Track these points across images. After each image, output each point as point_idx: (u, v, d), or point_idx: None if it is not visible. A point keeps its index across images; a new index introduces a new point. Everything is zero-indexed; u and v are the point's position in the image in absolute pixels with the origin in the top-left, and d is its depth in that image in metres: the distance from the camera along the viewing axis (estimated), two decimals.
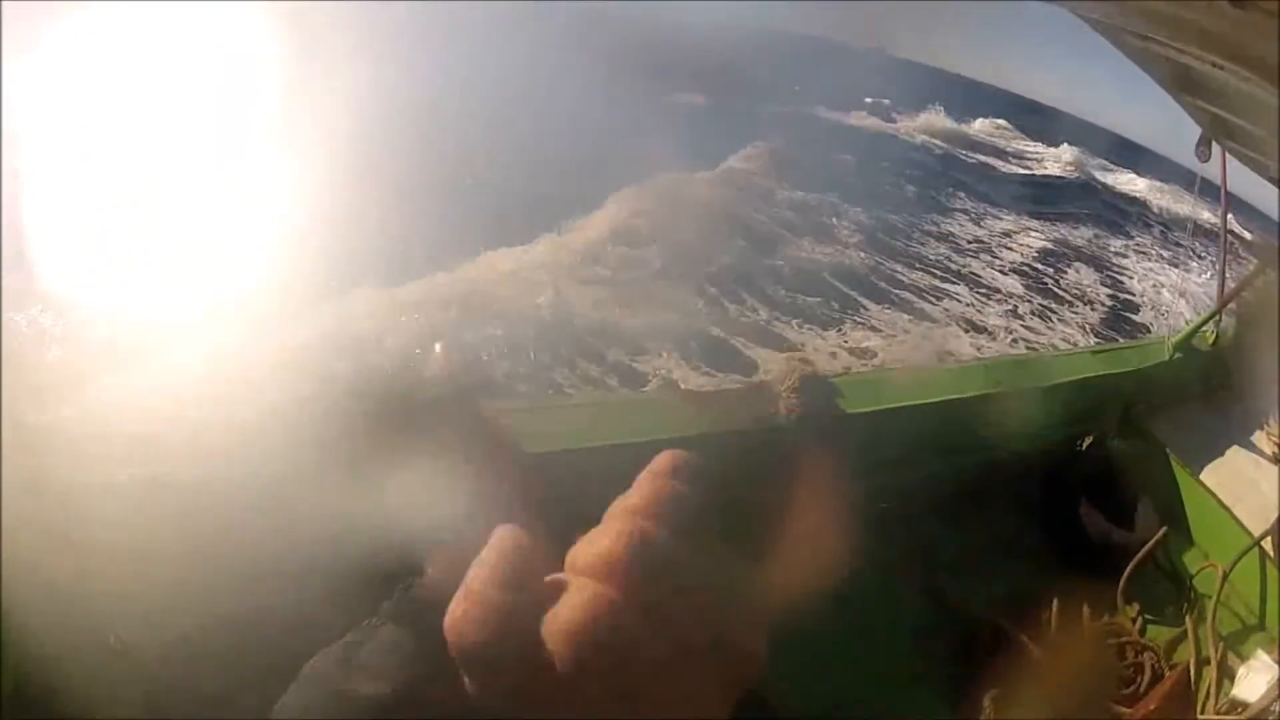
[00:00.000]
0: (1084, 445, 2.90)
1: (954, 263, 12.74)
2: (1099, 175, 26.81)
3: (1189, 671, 2.26)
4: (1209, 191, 3.29)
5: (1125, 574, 2.46)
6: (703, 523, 0.36)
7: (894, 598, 2.31)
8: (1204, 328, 3.16)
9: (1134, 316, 12.69)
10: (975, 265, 12.95)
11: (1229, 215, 3.38)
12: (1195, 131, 2.68)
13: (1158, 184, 25.96)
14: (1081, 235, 17.24)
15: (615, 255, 8.84)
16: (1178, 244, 18.39)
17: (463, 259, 7.64)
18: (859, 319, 9.30)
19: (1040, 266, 13.78)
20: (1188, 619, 2.41)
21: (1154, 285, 14.77)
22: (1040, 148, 28.71)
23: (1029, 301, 11.87)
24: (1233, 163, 2.83)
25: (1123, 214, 21.34)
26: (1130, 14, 1.71)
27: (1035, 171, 24.41)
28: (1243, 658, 2.28)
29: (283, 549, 0.96)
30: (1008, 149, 26.94)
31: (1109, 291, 13.65)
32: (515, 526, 0.37)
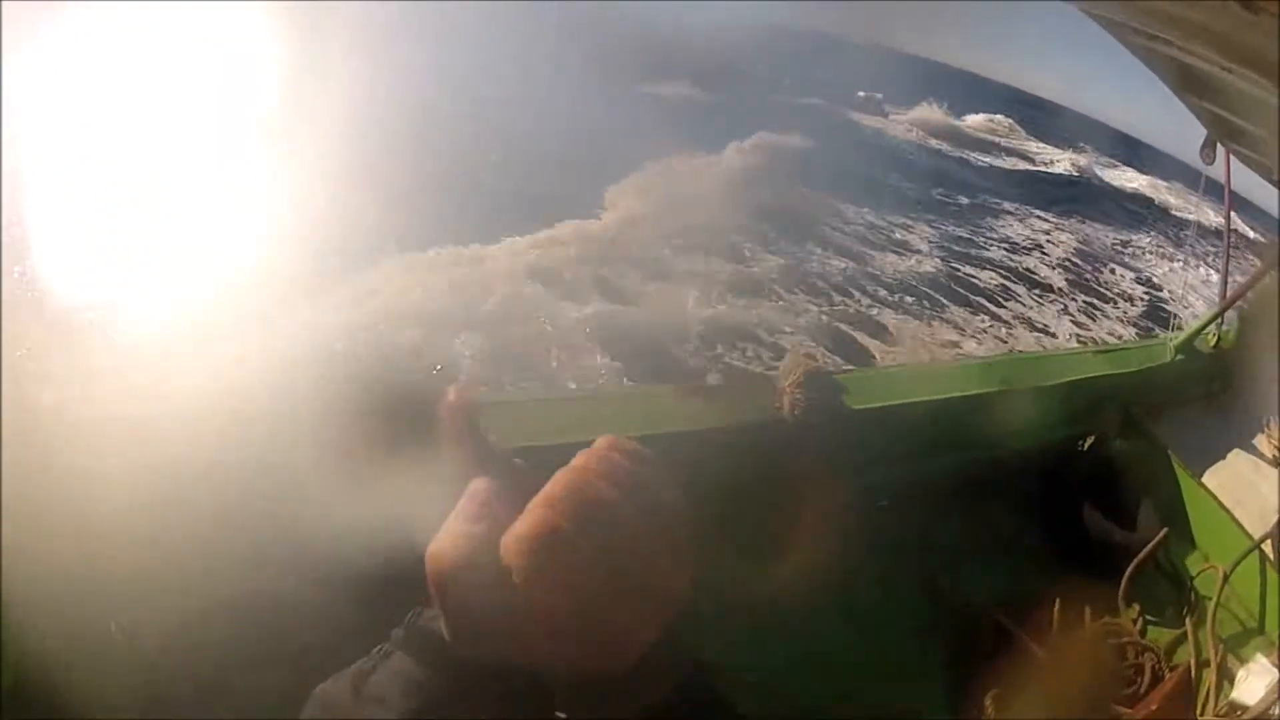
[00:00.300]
0: (1086, 445, 2.90)
1: (1013, 261, 13.11)
2: (1107, 173, 26.79)
3: (1190, 673, 2.27)
4: (1215, 191, 3.28)
5: (1126, 575, 2.46)
6: (639, 484, 0.43)
7: (895, 595, 2.32)
8: (1206, 330, 3.16)
9: (1167, 308, 12.81)
10: (1029, 262, 13.28)
11: (1233, 215, 3.38)
12: (1201, 130, 2.68)
13: (1162, 182, 25.95)
14: (1102, 233, 17.43)
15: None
16: (1188, 243, 18.42)
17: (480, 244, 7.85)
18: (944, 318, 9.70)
19: (1079, 264, 14.10)
20: (1188, 621, 2.41)
21: (1177, 282, 14.89)
22: (1051, 149, 28.74)
23: (1074, 299, 12.19)
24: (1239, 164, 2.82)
25: (1135, 214, 21.39)
26: (1139, 13, 1.70)
27: (1044, 169, 24.42)
28: (1242, 660, 2.28)
29: (283, 537, 0.97)
30: (1020, 148, 26.98)
31: (1142, 289, 13.91)
32: (484, 478, 0.45)
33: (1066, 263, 14.04)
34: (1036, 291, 12.05)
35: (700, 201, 10.57)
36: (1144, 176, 27.70)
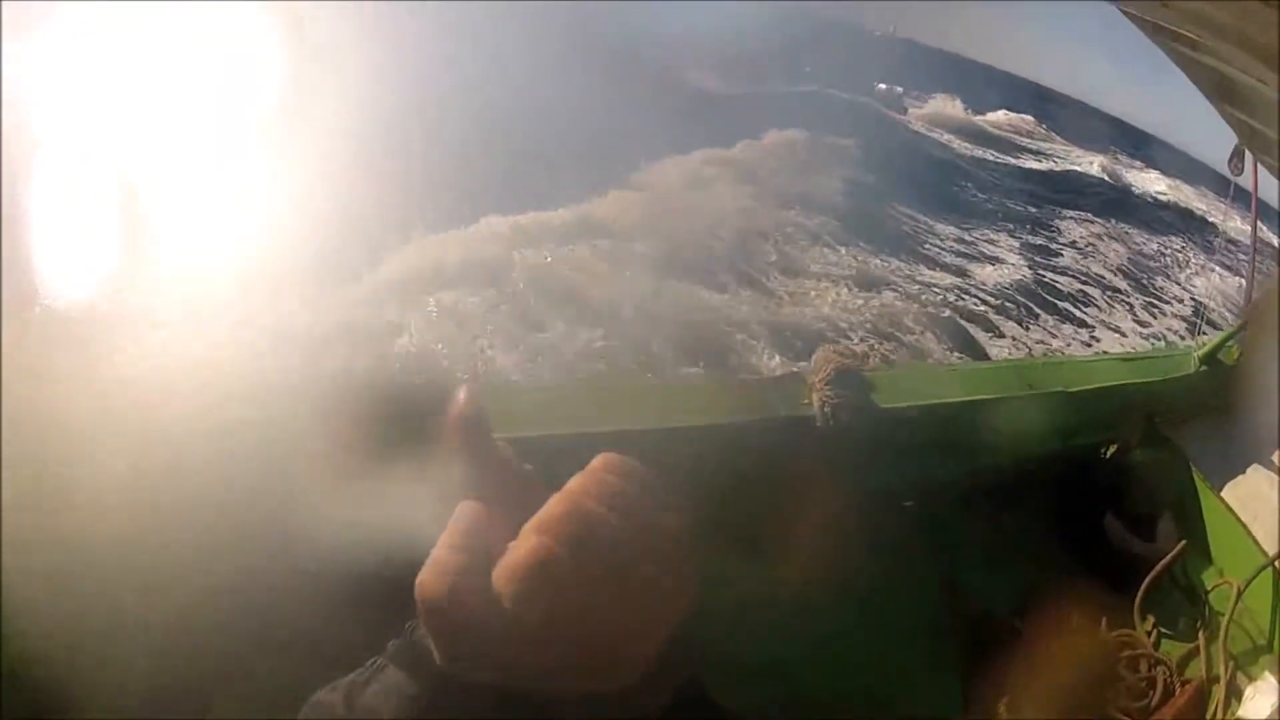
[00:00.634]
0: (1108, 453, 2.87)
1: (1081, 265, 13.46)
2: (1131, 174, 26.44)
3: (1203, 690, 2.26)
4: (1243, 198, 3.23)
5: (1143, 587, 2.45)
6: (635, 506, 0.42)
7: (913, 594, 2.32)
8: (1229, 342, 3.12)
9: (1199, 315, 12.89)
10: (1095, 267, 13.60)
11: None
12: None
13: (1187, 186, 25.55)
14: (1142, 238, 17.45)
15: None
16: (1218, 250, 18.28)
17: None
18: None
19: (1131, 268, 14.43)
20: (1200, 635, 2.40)
21: (1203, 288, 14.83)
22: (1075, 149, 28.39)
23: (1136, 299, 12.51)
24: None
25: (1165, 221, 21.20)
26: (1175, 15, 1.68)
27: (1076, 169, 24.16)
28: (1251, 678, 2.27)
29: (283, 538, 0.97)
30: (1047, 149, 26.69)
31: (1181, 289, 14.13)
32: (472, 501, 0.43)
33: (1121, 268, 14.17)
34: (1108, 294, 12.33)
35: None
36: (1167, 179, 27.26)
